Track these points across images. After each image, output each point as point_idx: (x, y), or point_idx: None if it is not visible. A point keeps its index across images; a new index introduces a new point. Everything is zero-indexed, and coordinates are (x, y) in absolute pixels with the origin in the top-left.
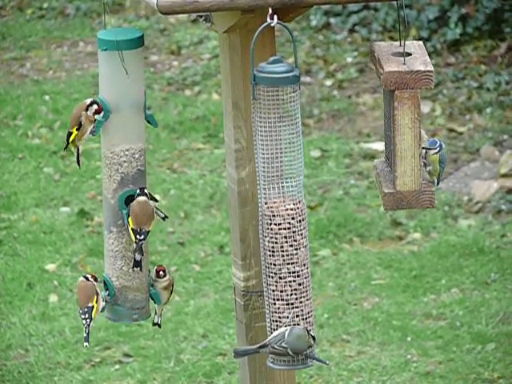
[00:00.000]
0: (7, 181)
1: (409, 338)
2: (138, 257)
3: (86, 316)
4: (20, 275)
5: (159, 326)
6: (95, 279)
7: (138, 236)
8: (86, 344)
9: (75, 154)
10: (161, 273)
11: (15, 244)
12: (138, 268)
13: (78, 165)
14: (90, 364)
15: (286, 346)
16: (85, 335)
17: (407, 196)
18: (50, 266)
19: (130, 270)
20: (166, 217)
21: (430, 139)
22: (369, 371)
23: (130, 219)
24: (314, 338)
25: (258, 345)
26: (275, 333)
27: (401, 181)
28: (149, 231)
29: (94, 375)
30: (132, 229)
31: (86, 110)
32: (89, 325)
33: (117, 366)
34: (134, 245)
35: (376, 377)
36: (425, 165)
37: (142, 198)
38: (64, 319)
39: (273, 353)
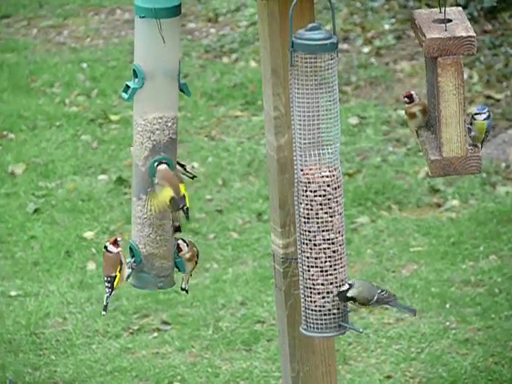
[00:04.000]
0: (45, 149)
1: (447, 305)
2: (176, 224)
3: (109, 285)
4: (58, 243)
5: (187, 291)
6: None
7: (179, 203)
8: (103, 313)
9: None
10: (179, 247)
11: (53, 212)
12: (180, 232)
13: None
14: (128, 332)
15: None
16: (104, 304)
17: (454, 162)
18: (88, 234)
19: (158, 238)
20: (194, 176)
21: (479, 105)
22: (407, 338)
23: (167, 188)
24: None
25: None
26: (364, 295)
27: (447, 147)
28: (185, 195)
29: (132, 343)
30: (172, 197)
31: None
32: (110, 294)
33: (155, 334)
34: (175, 209)
35: (415, 344)
36: (469, 130)
37: (164, 167)
38: (102, 287)
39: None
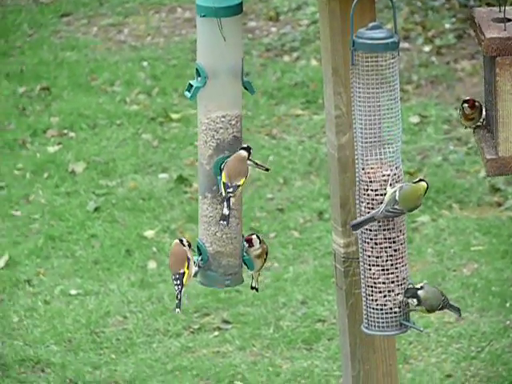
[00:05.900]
0: (105, 147)
1: (508, 304)
2: (225, 211)
3: (178, 282)
4: (118, 242)
5: (257, 289)
6: (189, 245)
7: (227, 189)
8: (177, 310)
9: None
10: (251, 242)
11: (114, 211)
12: (225, 222)
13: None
14: (188, 331)
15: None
16: (176, 301)
17: (510, 162)
18: (149, 233)
19: (224, 236)
20: (267, 169)
21: None
22: (468, 337)
23: (223, 173)
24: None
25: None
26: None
27: (503, 146)
28: (239, 185)
29: (192, 342)
30: (223, 182)
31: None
32: (180, 291)
33: (216, 333)
34: (223, 195)
35: (475, 343)
36: None
37: (241, 153)
38: (163, 286)
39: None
